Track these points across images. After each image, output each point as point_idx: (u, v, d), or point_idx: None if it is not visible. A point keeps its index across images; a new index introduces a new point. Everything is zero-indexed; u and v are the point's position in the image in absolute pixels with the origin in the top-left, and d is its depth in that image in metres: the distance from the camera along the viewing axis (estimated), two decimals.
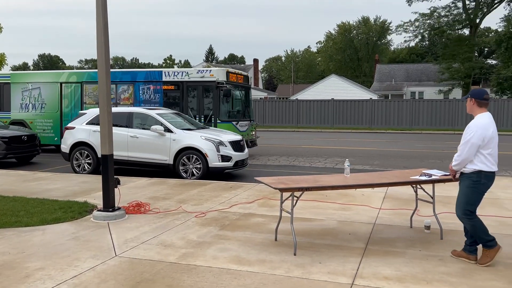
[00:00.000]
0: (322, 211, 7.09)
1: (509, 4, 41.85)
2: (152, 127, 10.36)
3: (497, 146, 4.65)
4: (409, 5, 42.71)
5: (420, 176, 5.69)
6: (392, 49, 63.50)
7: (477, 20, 41.83)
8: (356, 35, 57.37)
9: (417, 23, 43.10)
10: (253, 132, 15.37)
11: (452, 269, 4.58)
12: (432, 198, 5.85)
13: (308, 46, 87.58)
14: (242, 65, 62.28)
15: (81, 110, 15.24)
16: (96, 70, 17.46)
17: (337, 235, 5.81)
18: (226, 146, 10.17)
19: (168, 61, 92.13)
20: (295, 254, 5.00)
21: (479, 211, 6.27)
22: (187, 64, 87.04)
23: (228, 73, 14.01)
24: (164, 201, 7.77)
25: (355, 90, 42.74)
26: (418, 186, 5.96)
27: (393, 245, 5.39)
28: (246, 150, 11.06)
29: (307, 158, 14.87)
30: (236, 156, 10.34)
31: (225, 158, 10.12)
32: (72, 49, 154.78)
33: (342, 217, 6.73)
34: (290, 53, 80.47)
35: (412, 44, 54.06)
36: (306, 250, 5.18)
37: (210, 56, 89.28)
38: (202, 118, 13.82)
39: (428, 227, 5.95)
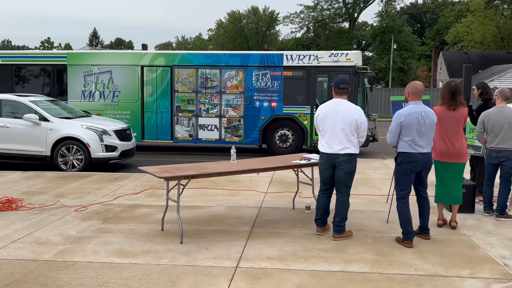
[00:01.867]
0: (211, 198, 7.13)
1: (382, 1, 45.97)
2: (24, 115, 9.43)
3: (334, 129, 4.96)
4: None
5: (300, 160, 6.01)
6: (281, 39, 65.88)
7: (355, 15, 45.24)
8: (246, 24, 58.31)
9: (302, 15, 45.28)
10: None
11: (328, 246, 4.93)
12: (311, 180, 6.22)
13: (200, 33, 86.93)
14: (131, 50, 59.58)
15: (171, 98, 12.78)
16: (191, 51, 14.50)
17: (225, 220, 5.89)
18: (110, 135, 9.67)
19: (46, 44, 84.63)
20: (181, 243, 4.97)
21: (354, 191, 6.83)
22: (68, 48, 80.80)
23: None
24: (40, 195, 7.16)
25: None
26: (299, 170, 6.29)
27: (277, 226, 5.63)
28: (134, 139, 10.65)
29: None
30: (122, 145, 9.90)
31: (109, 148, 9.63)
32: None
33: (230, 202, 6.85)
34: (181, 40, 79.15)
35: (299, 35, 56.73)
36: (193, 237, 5.17)
37: (94, 40, 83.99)
38: None
39: (308, 208, 6.32)
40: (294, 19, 45.80)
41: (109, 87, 12.99)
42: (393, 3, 46.78)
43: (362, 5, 45.51)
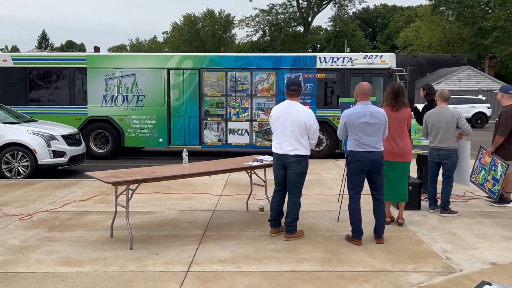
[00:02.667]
0: (163, 202, 7.02)
1: (335, 6, 47.07)
2: None
3: (284, 130, 5.07)
4: (250, 0, 44.88)
5: (253, 161, 6.04)
6: (237, 42, 66.06)
7: (309, 19, 46.09)
8: (202, 27, 58.04)
9: (257, 19, 45.59)
10: None
11: (280, 246, 4.97)
12: (264, 182, 6.26)
13: (154, 36, 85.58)
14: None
15: (199, 102, 12.20)
16: (220, 54, 13.70)
17: (177, 225, 5.81)
18: (58, 140, 9.32)
19: None
20: (131, 249, 4.85)
21: (307, 191, 6.93)
22: (15, 50, 77.39)
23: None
24: None
25: None
26: (252, 172, 6.31)
27: (230, 229, 5.62)
28: (83, 144, 10.32)
29: None
30: (71, 151, 9.57)
31: (57, 154, 9.27)
32: None
33: (183, 206, 6.77)
34: (135, 42, 77.73)
35: (255, 38, 57.11)
36: (143, 243, 5.06)
37: (43, 42, 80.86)
38: None
39: (261, 209, 6.35)
40: (249, 22, 46.11)
41: (133, 91, 12.33)
42: (345, 8, 48.09)
43: (316, 10, 46.43)
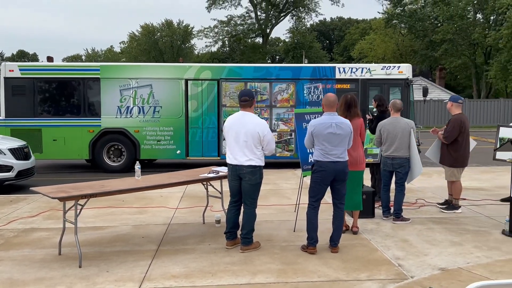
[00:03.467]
0: (116, 217, 6.80)
1: (292, 18, 47.88)
2: None
3: (237, 141, 5.03)
4: (209, 11, 44.94)
5: (209, 173, 5.96)
6: (197, 53, 65.84)
7: (268, 30, 46.62)
8: (160, 37, 57.42)
9: (216, 30, 45.65)
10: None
11: (236, 258, 4.91)
12: (220, 193, 6.19)
13: (111, 46, 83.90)
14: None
15: (218, 113, 11.80)
16: (239, 64, 13.31)
17: (130, 240, 5.63)
18: (5, 154, 8.88)
19: None
20: (80, 267, 4.65)
21: (264, 202, 6.91)
22: None
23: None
24: None
25: None
26: (208, 183, 6.23)
27: (185, 242, 5.50)
28: (33, 157, 9.88)
29: None
30: (19, 165, 9.13)
31: (4, 168, 8.83)
32: None
33: (137, 221, 6.58)
34: (91, 52, 75.86)
35: (214, 49, 57.07)
36: (93, 260, 4.86)
37: None
38: None
39: (218, 221, 6.27)
40: (208, 33, 46.07)
41: (149, 102, 12.01)
42: (303, 20, 48.99)
43: (274, 22, 47.04)
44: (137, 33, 54.89)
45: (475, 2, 36.47)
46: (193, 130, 12.14)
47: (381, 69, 12.19)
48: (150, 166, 12.89)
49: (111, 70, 12.17)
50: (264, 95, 12.15)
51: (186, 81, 12.07)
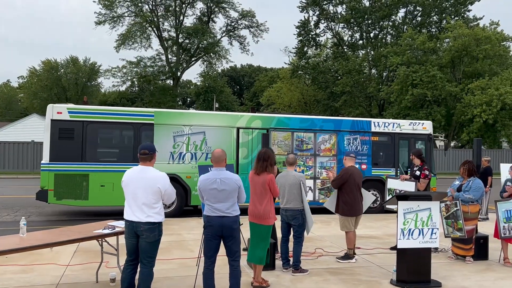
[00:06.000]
0: None
1: (203, 63, 48.75)
2: None
3: (135, 196, 4.84)
4: (117, 51, 44.07)
5: (104, 229, 5.65)
6: (104, 91, 63.72)
7: (178, 74, 46.80)
8: (64, 74, 54.84)
9: (124, 70, 44.81)
10: None
11: None
12: (116, 250, 5.87)
13: (8, 80, 78.31)
14: None
15: None
16: (287, 115, 13.62)
17: None
18: None
19: None
20: None
21: (166, 255, 6.68)
22: None
23: None
24: None
25: None
26: (103, 240, 5.89)
27: None
28: None
29: None
30: None
31: None
32: None
33: (20, 281, 5.96)
34: None
35: (122, 88, 55.72)
36: None
37: None
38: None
39: (113, 280, 5.90)
40: (116, 73, 44.97)
41: (202, 149, 12.12)
42: (214, 65, 50.09)
43: (185, 65, 47.45)
44: (38, 68, 51.88)
45: (370, 59, 40.29)
46: (243, 176, 11.77)
47: (409, 125, 13.69)
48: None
49: (166, 116, 12.22)
50: (309, 144, 12.86)
51: (238, 129, 12.48)
